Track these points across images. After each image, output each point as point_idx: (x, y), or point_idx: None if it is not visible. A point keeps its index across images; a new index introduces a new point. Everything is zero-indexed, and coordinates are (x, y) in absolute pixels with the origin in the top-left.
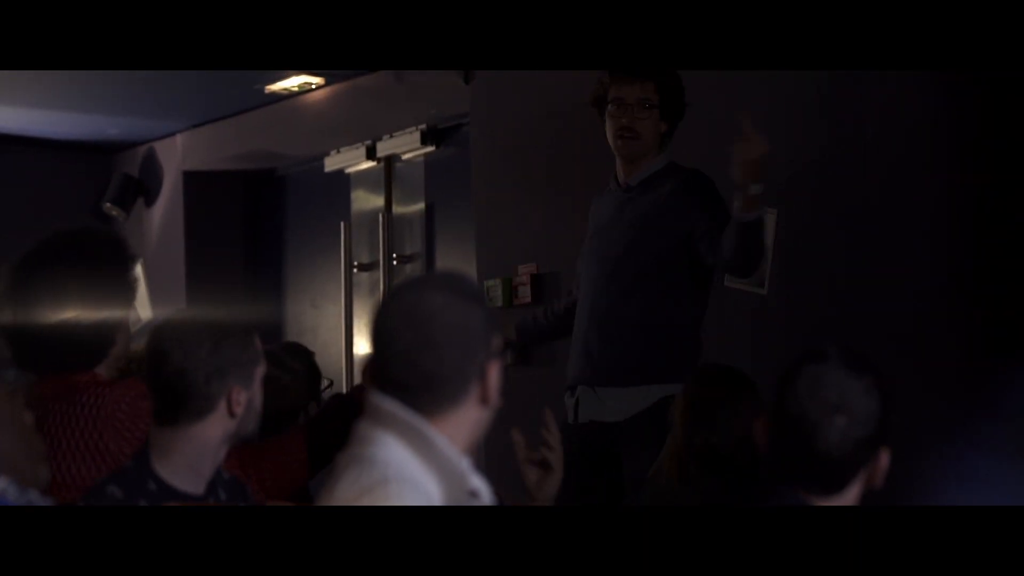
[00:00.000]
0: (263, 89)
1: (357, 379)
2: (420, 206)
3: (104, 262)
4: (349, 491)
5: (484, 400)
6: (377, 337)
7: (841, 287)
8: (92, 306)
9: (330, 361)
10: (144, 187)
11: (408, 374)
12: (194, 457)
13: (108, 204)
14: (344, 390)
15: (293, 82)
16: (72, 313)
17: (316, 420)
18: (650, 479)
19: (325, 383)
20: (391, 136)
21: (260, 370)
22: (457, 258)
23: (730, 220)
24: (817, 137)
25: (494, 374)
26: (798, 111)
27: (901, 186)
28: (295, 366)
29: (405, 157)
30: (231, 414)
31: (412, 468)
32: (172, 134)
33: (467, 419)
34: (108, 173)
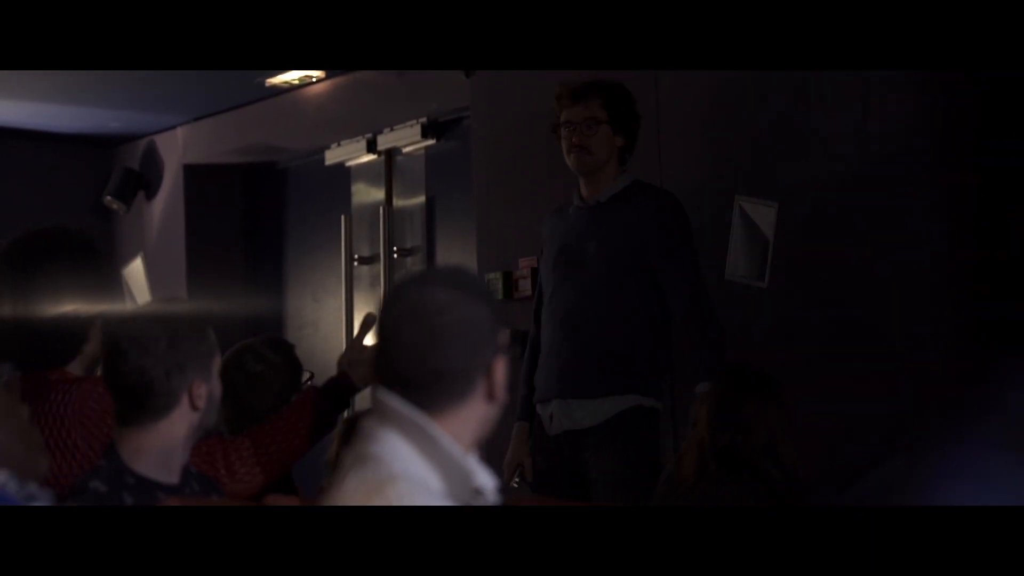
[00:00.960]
0: (263, 82)
1: None
2: (421, 199)
3: (75, 260)
4: (357, 490)
5: (491, 396)
6: (382, 332)
7: (841, 282)
8: (62, 304)
9: (331, 355)
10: (145, 180)
11: (414, 370)
12: (163, 453)
13: (109, 197)
14: None
15: (293, 75)
16: (41, 311)
17: (319, 395)
18: (668, 475)
19: (306, 375)
20: (392, 129)
21: (217, 361)
22: (458, 251)
23: (691, 243)
24: (818, 132)
25: (500, 370)
26: (799, 107)
27: (901, 183)
28: (275, 359)
29: (406, 150)
30: (193, 408)
31: (417, 466)
32: (173, 127)
33: (473, 415)
34: (109, 166)
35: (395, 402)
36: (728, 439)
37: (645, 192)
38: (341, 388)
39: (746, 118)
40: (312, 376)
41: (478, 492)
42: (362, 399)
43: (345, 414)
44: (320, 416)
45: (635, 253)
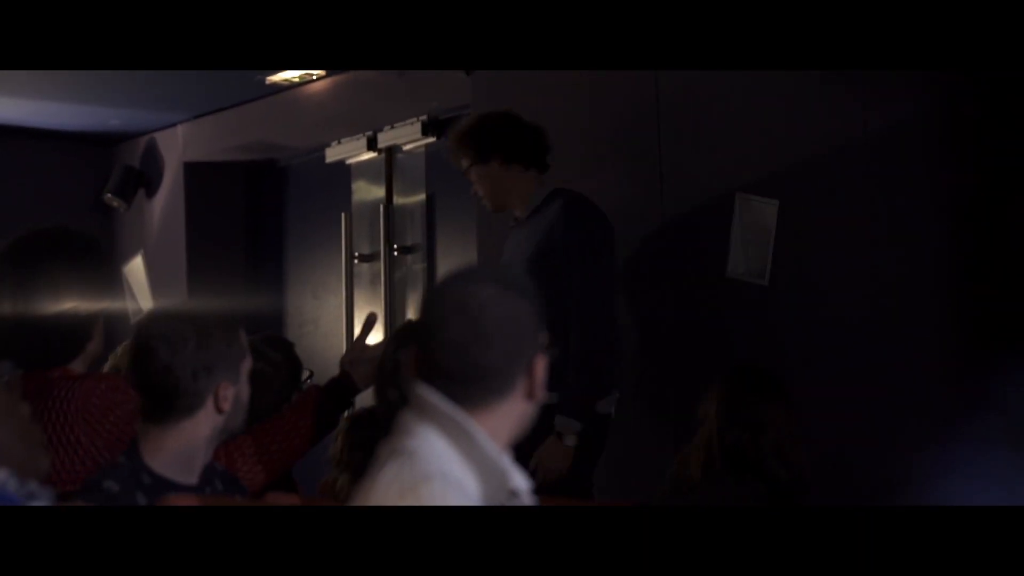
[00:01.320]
0: (264, 80)
1: None
2: (421, 197)
3: (75, 259)
4: (391, 486)
5: (530, 395)
6: (425, 327)
7: (841, 280)
8: (63, 302)
9: (332, 353)
10: (145, 178)
11: (456, 365)
12: (185, 452)
13: (109, 195)
14: None
15: (294, 73)
16: (44, 310)
17: (321, 395)
18: (672, 473)
19: (306, 374)
20: (392, 127)
21: (247, 364)
22: (458, 249)
23: (595, 248)
24: (819, 131)
25: (541, 368)
26: (800, 106)
27: (901, 182)
28: (275, 357)
29: (406, 148)
30: (219, 410)
31: (452, 464)
32: (173, 125)
33: (512, 413)
34: (109, 164)
35: (434, 397)
36: (736, 438)
37: (555, 200)
38: (343, 388)
39: (746, 118)
40: (312, 375)
41: (513, 494)
42: (363, 399)
43: (346, 413)
44: (322, 416)
45: (545, 259)
